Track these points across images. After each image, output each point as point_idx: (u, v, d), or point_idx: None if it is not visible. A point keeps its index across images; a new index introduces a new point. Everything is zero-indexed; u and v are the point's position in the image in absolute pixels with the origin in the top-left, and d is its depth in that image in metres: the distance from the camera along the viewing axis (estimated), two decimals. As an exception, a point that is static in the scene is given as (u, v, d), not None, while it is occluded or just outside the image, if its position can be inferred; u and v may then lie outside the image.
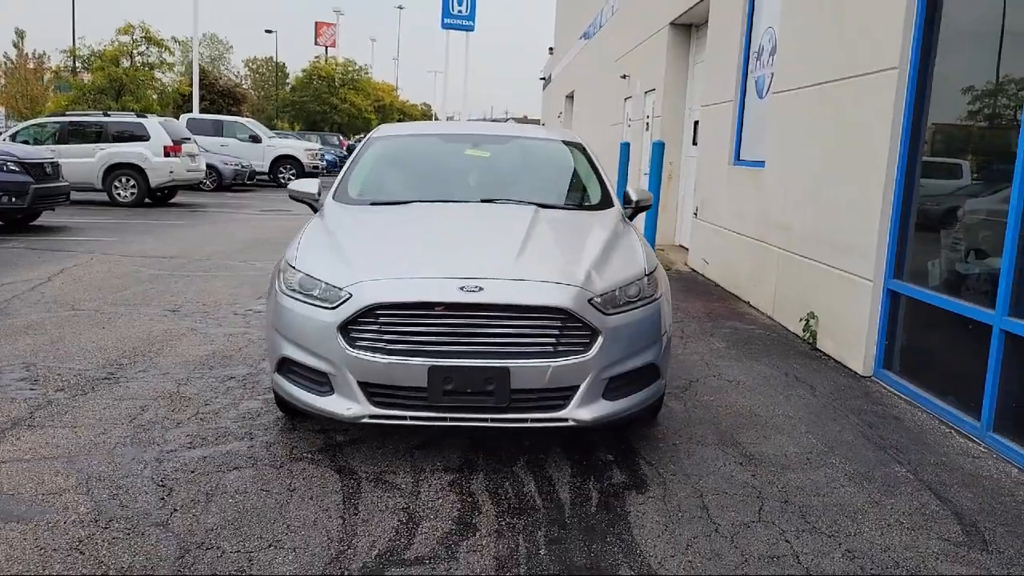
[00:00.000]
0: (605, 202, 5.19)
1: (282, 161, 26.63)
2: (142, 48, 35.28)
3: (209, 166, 21.22)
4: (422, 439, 4.31)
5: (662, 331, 4.15)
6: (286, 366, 4.05)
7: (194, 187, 20.78)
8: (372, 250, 4.18)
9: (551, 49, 41.34)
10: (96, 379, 5.20)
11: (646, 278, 4.12)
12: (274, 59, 74.56)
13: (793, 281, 7.04)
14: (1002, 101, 4.95)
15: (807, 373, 5.80)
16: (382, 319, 3.75)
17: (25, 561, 3.02)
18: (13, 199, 12.23)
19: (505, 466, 4.01)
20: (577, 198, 5.37)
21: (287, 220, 15.95)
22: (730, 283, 8.95)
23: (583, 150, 5.71)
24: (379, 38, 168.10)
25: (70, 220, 14.29)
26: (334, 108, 46.08)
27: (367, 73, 52.24)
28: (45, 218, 14.02)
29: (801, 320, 6.63)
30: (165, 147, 17.70)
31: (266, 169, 26.39)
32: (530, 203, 4.93)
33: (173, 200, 19.12)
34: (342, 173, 5.37)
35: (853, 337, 5.86)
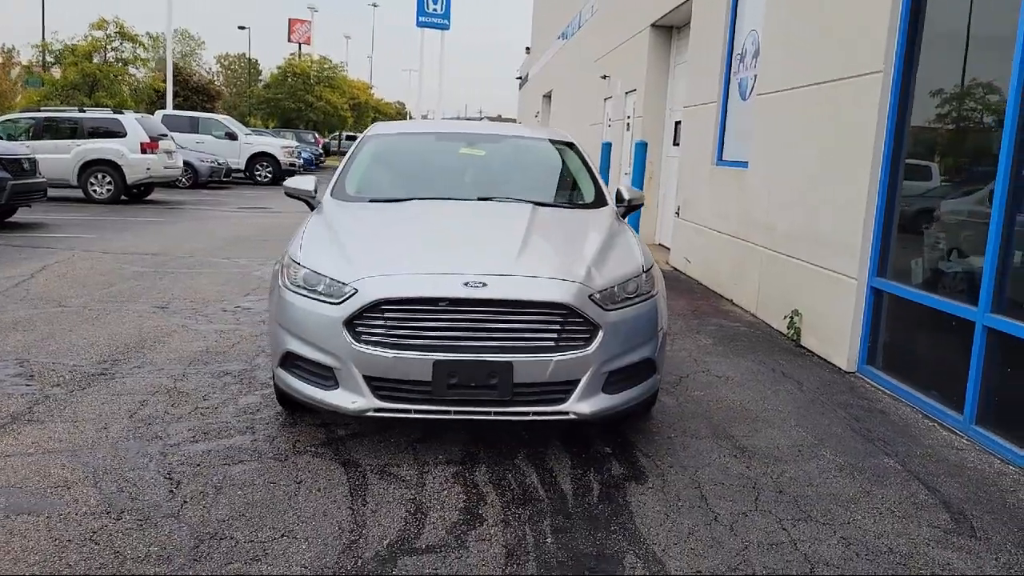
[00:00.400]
0: (599, 200, 5.29)
1: (258, 159, 26.50)
2: (116, 43, 34.93)
3: (185, 163, 21.06)
4: (422, 432, 4.38)
5: (659, 327, 4.25)
6: (290, 361, 4.10)
7: (170, 184, 20.62)
8: (375, 246, 4.24)
9: (528, 49, 41.46)
10: (92, 375, 5.21)
11: (644, 275, 4.23)
12: (247, 56, 74.05)
13: (777, 279, 7.18)
14: (982, 104, 5.12)
15: (793, 369, 5.94)
16: (387, 314, 3.81)
17: (41, 551, 3.05)
18: (-10, 195, 12.11)
19: (506, 458, 4.09)
20: (572, 196, 5.46)
21: (266, 218, 15.93)
22: (712, 281, 9.09)
23: (575, 149, 5.81)
24: (354, 36, 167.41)
25: (47, 217, 14.16)
26: (309, 106, 45.84)
27: (343, 71, 52.02)
28: (21, 215, 13.87)
29: (785, 318, 6.78)
30: (142, 144, 17.58)
31: (242, 166, 26.23)
32: (527, 201, 5.02)
33: (149, 197, 18.99)
34: (339, 171, 5.42)
35: (837, 334, 6.01)
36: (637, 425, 4.61)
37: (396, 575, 2.99)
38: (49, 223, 13.35)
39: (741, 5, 8.96)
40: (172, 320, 6.79)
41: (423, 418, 3.94)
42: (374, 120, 60.63)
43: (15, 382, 5.01)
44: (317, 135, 41.12)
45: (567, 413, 3.91)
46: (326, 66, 49.18)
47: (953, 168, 5.33)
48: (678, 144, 11.77)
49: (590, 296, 3.90)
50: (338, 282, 3.93)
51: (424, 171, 5.58)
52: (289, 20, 70.91)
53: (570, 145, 5.89)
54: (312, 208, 5.34)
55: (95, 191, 17.31)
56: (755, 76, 8.29)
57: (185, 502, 3.49)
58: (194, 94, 39.85)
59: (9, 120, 18.36)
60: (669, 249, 11.32)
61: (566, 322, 3.87)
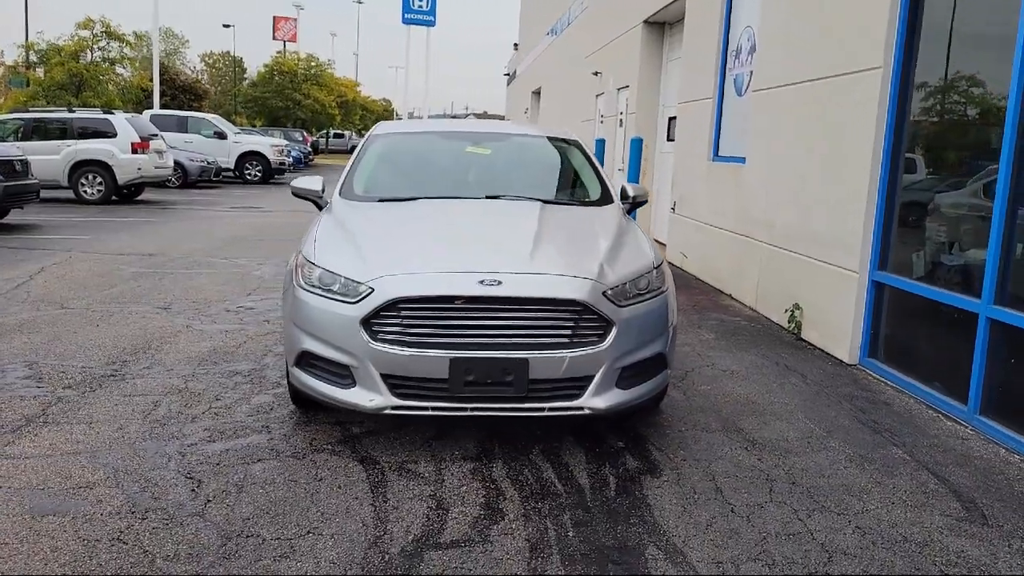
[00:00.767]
0: (605, 198, 5.35)
1: (248, 158, 26.44)
2: (102, 43, 34.72)
3: (175, 163, 21.00)
4: (437, 429, 4.42)
5: (669, 323, 4.31)
6: (306, 360, 4.14)
7: (160, 184, 20.55)
8: (390, 246, 4.28)
9: (516, 45, 41.46)
10: (102, 376, 5.23)
11: (654, 271, 4.28)
12: (231, 54, 73.72)
13: (776, 274, 7.26)
14: (980, 98, 5.20)
15: (796, 362, 6.02)
16: (404, 313, 3.85)
17: (70, 552, 3.08)
18: (-16, 197, 12.07)
19: (522, 454, 4.14)
20: (578, 194, 5.51)
21: (259, 217, 15.91)
22: (710, 276, 9.16)
23: (579, 147, 5.85)
24: (340, 33, 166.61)
25: (39, 218, 14.11)
26: (297, 104, 45.69)
27: (330, 69, 51.89)
28: (14, 216, 13.82)
29: (786, 311, 6.85)
30: (133, 144, 17.52)
31: (232, 166, 26.16)
32: (535, 199, 5.06)
33: (140, 197, 18.93)
34: (346, 170, 5.45)
35: (838, 327, 6.09)
36: (647, 419, 4.66)
37: (424, 570, 3.04)
38: (42, 224, 13.31)
39: (736, 1, 9.02)
40: (176, 321, 6.80)
41: (438, 415, 3.99)
42: (361, 118, 60.63)
43: (25, 384, 5.03)
44: (306, 133, 41.02)
45: (582, 408, 3.96)
46: (313, 64, 49.01)
47: (954, 162, 5.41)
48: (672, 140, 11.83)
49: (603, 293, 3.95)
50: (354, 281, 3.96)
51: (431, 170, 5.61)
52: (274, 18, 70.54)
53: (574, 143, 5.94)
54: (320, 208, 5.37)
55: (86, 192, 17.24)
56: (751, 72, 8.35)
57: (208, 501, 3.52)
58: (181, 93, 39.66)
59: (-2, 121, 18.27)
60: (664, 244, 11.39)
61: (580, 319, 3.92)
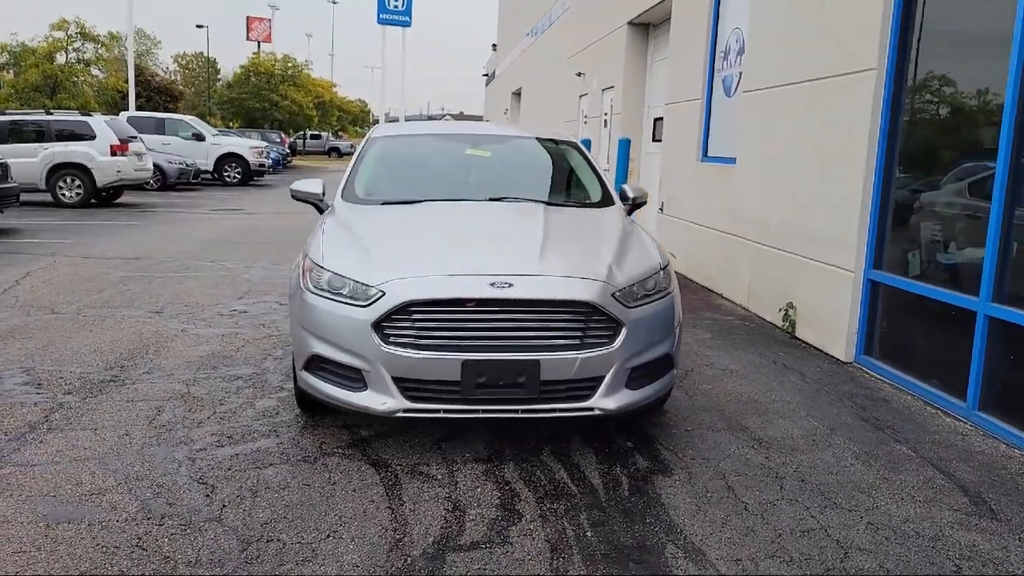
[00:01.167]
0: (606, 199, 5.38)
1: (227, 159, 26.24)
2: (77, 44, 34.31)
3: (154, 165, 20.81)
4: (445, 431, 4.43)
5: (675, 323, 4.35)
6: (315, 363, 4.13)
7: (138, 187, 20.35)
8: (398, 248, 4.28)
9: (494, 46, 41.49)
10: (101, 381, 5.18)
11: (661, 272, 4.32)
12: (205, 55, 73.12)
13: (769, 273, 7.33)
14: (975, 99, 5.28)
15: (793, 360, 6.08)
16: (416, 315, 3.86)
17: (90, 559, 3.06)
18: (-36, 201, 11.90)
19: (532, 455, 4.16)
20: (579, 196, 5.54)
21: (242, 220, 15.81)
22: (701, 276, 9.23)
23: (578, 148, 5.88)
24: (315, 33, 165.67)
25: (19, 222, 13.93)
26: (274, 105, 45.43)
27: (307, 69, 51.63)
28: (-7, 220, 13.65)
29: (780, 310, 6.92)
30: (112, 146, 17.35)
31: (211, 168, 25.97)
32: (537, 201, 5.09)
33: (119, 200, 18.75)
34: (347, 173, 5.43)
35: (834, 325, 6.16)
36: (653, 419, 4.70)
37: (448, 572, 3.05)
38: (23, 228, 13.15)
39: (724, 3, 9.10)
40: (170, 325, 6.75)
41: (449, 418, 4.00)
42: (338, 119, 60.42)
43: (25, 391, 4.97)
44: (283, 134, 40.79)
45: (592, 409, 3.98)
46: (290, 65, 48.75)
47: (947, 161, 5.49)
48: (658, 140, 11.89)
49: (613, 294, 3.98)
50: (363, 285, 3.96)
51: (432, 173, 5.61)
52: (247, 18, 70.06)
53: (572, 144, 5.97)
54: (320, 211, 5.35)
55: (64, 195, 17.06)
56: (740, 73, 8.43)
57: (224, 506, 3.51)
58: (156, 94, 39.33)
59: (-27, 124, 17.99)
60: (652, 244, 11.42)
61: (590, 320, 3.94)
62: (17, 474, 3.77)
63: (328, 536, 3.28)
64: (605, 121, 14.51)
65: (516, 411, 3.95)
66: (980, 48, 5.19)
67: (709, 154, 9.37)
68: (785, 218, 7.05)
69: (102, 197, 17.90)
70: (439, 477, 3.88)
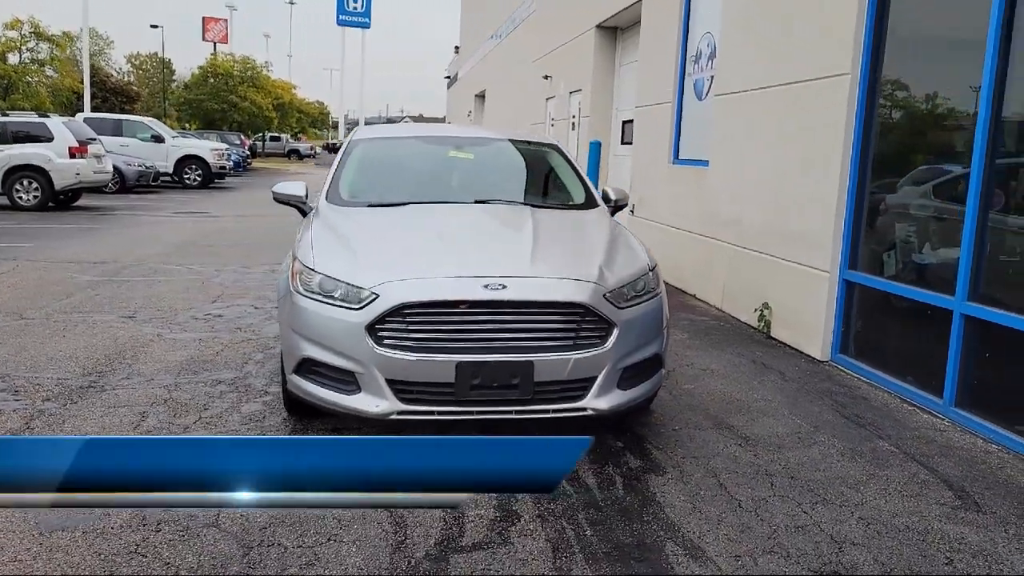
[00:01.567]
0: (590, 201, 5.42)
1: (187, 161, 25.85)
2: (31, 44, 33.61)
3: (112, 167, 20.44)
4: (434, 432, 4.42)
5: (664, 324, 4.40)
6: (306, 367, 4.10)
7: (97, 190, 19.97)
8: (389, 250, 4.28)
9: (457, 48, 41.45)
10: (80, 387, 5.09)
11: (650, 273, 4.37)
12: (159, 55, 72.07)
13: (745, 274, 7.43)
14: (945, 103, 5.43)
15: (771, 360, 6.18)
16: (409, 318, 3.86)
17: (88, 566, 3.02)
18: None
19: (525, 456, 4.17)
20: (564, 198, 5.57)
21: (206, 223, 15.62)
22: (674, 277, 9.31)
23: (560, 151, 5.92)
24: (273, 34, 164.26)
25: (-24, 225, 13.61)
26: (233, 106, 44.89)
27: (267, 70, 51.12)
28: (-51, 224, 13.31)
29: (755, 311, 7.02)
30: (70, 148, 17.00)
31: (170, 170, 25.57)
32: (524, 203, 5.11)
33: (78, 203, 18.38)
34: (331, 176, 5.40)
35: (810, 325, 6.27)
36: (641, 419, 4.74)
37: (452, 573, 3.06)
38: (-19, 232, 12.85)
39: (694, 9, 9.21)
40: (145, 329, 6.65)
41: (442, 419, 4.00)
42: (298, 121, 59.90)
43: (2, 397, 4.87)
44: (243, 136, 40.29)
45: (585, 409, 4.01)
46: (249, 66, 48.21)
47: (921, 164, 5.63)
48: (627, 143, 12.00)
49: (604, 295, 4.02)
50: (356, 287, 3.95)
51: (416, 175, 5.61)
52: (204, 19, 69.20)
53: (554, 147, 6.00)
54: (304, 214, 5.32)
55: (21, 198, 16.66)
56: (712, 77, 8.54)
57: (218, 512, 3.47)
58: (112, 95, 38.64)
59: (-74, 126, 17.53)
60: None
61: (583, 321, 3.98)
62: (4, 482, 3.69)
63: (329, 540, 3.27)
64: (573, 124, 14.60)
65: (510, 412, 3.96)
66: (951, 54, 5.33)
67: (681, 157, 9.47)
68: (760, 220, 7.16)
69: (60, 200, 17.53)
70: (434, 479, 3.87)
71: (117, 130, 25.06)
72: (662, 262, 9.63)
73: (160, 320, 7.02)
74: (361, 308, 3.89)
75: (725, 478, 3.97)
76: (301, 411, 4.57)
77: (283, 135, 59.04)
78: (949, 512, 3.67)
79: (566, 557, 3.19)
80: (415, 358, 3.83)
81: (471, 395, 3.87)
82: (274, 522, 3.40)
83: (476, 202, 5.15)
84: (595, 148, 10.67)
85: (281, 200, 5.39)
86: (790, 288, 6.60)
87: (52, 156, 16.73)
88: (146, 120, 26.66)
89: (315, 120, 68.17)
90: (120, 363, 5.65)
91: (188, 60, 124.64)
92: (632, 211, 10.93)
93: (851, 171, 5.89)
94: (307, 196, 5.36)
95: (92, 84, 33.57)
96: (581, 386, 4.00)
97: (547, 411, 3.99)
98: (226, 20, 71.89)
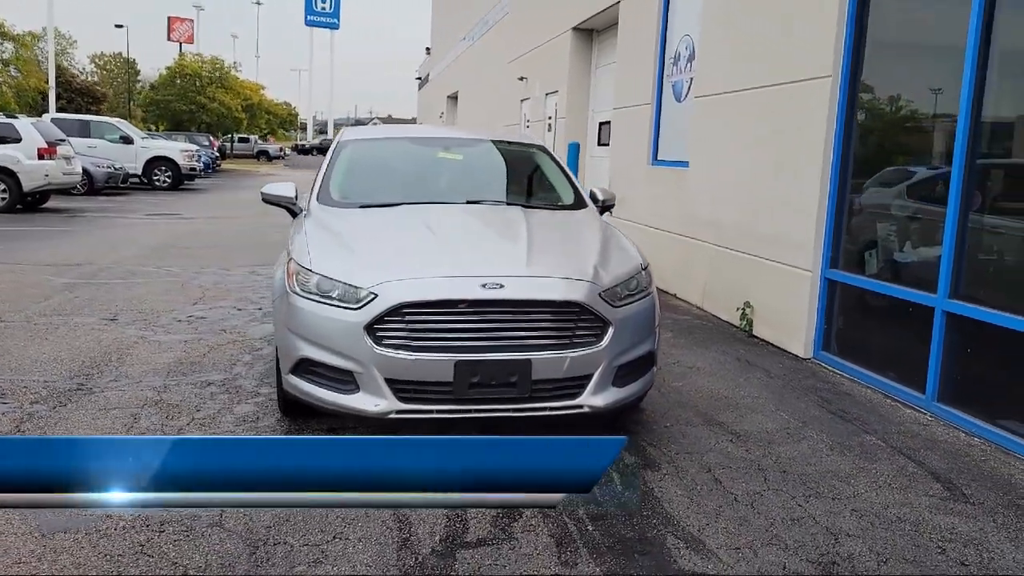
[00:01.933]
0: (579, 202, 5.48)
1: (156, 163, 25.56)
2: (-5, 43, 33.06)
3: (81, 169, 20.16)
4: (430, 431, 4.44)
5: (656, 322, 4.47)
6: (304, 367, 4.11)
7: (65, 191, 19.69)
8: (386, 251, 4.30)
9: (428, 49, 41.40)
10: (68, 390, 5.05)
11: (643, 272, 4.44)
12: (124, 55, 71.22)
13: (726, 274, 7.53)
14: (924, 106, 5.56)
15: (755, 357, 6.28)
16: (408, 317, 3.88)
17: (96, 567, 3.01)
18: None
19: (521, 454, 4.21)
20: (553, 198, 5.62)
21: (180, 224, 15.48)
22: (654, 277, 9.39)
23: (547, 152, 5.97)
24: (241, 35, 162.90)
25: (-56, 228, 13.38)
26: (202, 107, 44.45)
27: (236, 71, 50.68)
28: (-84, 226, 13.07)
29: (738, 310, 7.12)
30: (39, 149, 16.75)
31: (139, 172, 25.27)
32: (514, 204, 5.16)
33: (46, 205, 18.11)
34: (320, 177, 5.39)
35: (792, 323, 6.38)
36: (633, 417, 4.80)
37: (460, 568, 3.09)
38: (-51, 234, 12.63)
39: (672, 12, 9.32)
40: (128, 332, 6.60)
41: (440, 418, 4.03)
42: (267, 122, 59.39)
43: (-11, 401, 4.82)
44: (212, 138, 39.90)
45: (582, 407, 4.07)
46: (217, 66, 47.76)
47: (901, 165, 5.76)
48: (603, 144, 12.09)
49: (600, 294, 4.07)
50: (353, 287, 3.96)
51: (406, 176, 5.63)
52: (169, 19, 68.45)
53: (541, 148, 6.06)
54: (293, 215, 5.33)
55: (-12, 200, 16.40)
56: (691, 79, 8.65)
57: (222, 512, 3.47)
58: (78, 96, 38.09)
59: None
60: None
61: (579, 320, 4.03)
62: None
63: (334, 538, 3.29)
64: (549, 125, 14.67)
65: (508, 411, 4.00)
66: (930, 59, 5.47)
67: (660, 158, 9.57)
68: (742, 220, 7.27)
69: (28, 202, 17.26)
70: (433, 477, 3.90)
71: (85, 131, 24.70)
72: (641, 262, 9.77)
73: (143, 322, 6.96)
74: (360, 308, 3.91)
75: (719, 473, 4.05)
76: (295, 412, 4.57)
77: (252, 136, 58.59)
78: (938, 503, 3.77)
79: (570, 551, 3.24)
80: (414, 357, 3.85)
81: (469, 394, 3.91)
82: (278, 521, 3.41)
83: (468, 203, 5.19)
84: (574, 149, 10.75)
85: (270, 201, 5.39)
86: (772, 287, 6.70)
87: (21, 157, 16.47)
88: (114, 121, 26.32)
89: (283, 121, 67.63)
90: (106, 365, 5.61)
91: (153, 60, 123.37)
92: (611, 211, 11.00)
93: (832, 172, 6.01)
94: (296, 197, 5.36)
95: (57, 84, 33.13)
96: (577, 384, 4.05)
97: (544, 409, 4.04)
98: (192, 20, 71.18)
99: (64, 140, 18.07)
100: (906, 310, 5.26)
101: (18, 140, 16.63)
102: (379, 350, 3.86)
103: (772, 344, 6.68)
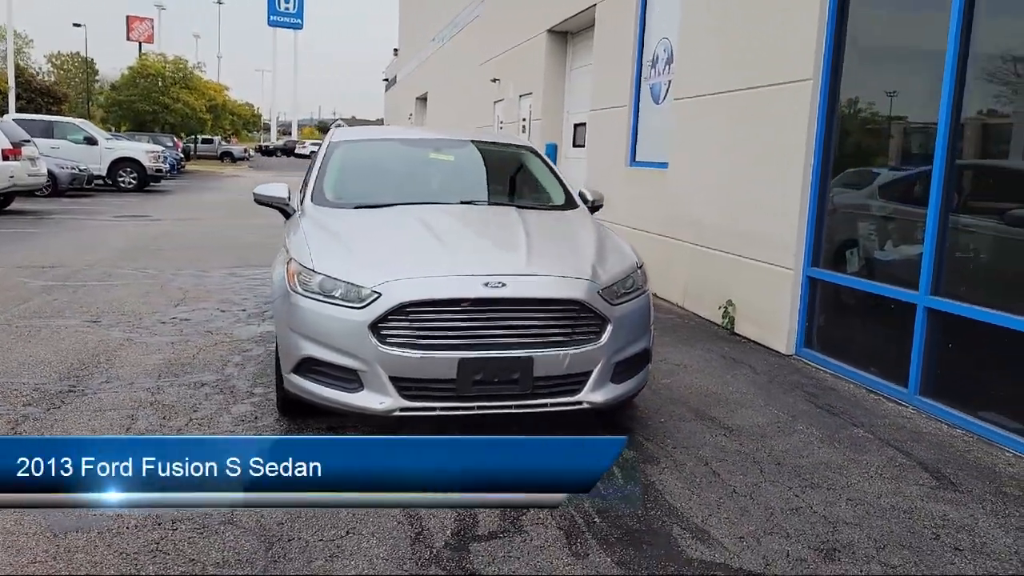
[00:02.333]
0: (570, 202, 5.56)
1: (121, 164, 25.19)
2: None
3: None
4: (431, 428, 4.49)
5: (651, 320, 4.57)
6: (306, 366, 4.14)
7: (28, 193, 19.36)
8: (387, 250, 4.35)
9: (396, 51, 41.29)
10: (60, 392, 5.02)
11: (639, 270, 4.53)
12: (83, 55, 70.12)
13: (707, 273, 7.67)
14: (903, 108, 5.73)
15: (740, 354, 6.41)
16: (412, 316, 3.94)
17: (113, 566, 3.03)
18: None
19: (522, 449, 4.28)
20: (544, 198, 5.70)
21: (150, 226, 15.32)
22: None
23: (537, 153, 6.06)
24: (203, 35, 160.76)
25: (-92, 230, 13.12)
26: (166, 108, 43.90)
27: (200, 71, 50.14)
28: None
29: (720, 308, 7.25)
30: (3, 150, 16.48)
31: (104, 173, 24.91)
32: (508, 204, 5.23)
33: (10, 207, 17.81)
34: (313, 178, 5.41)
35: (775, 321, 6.52)
36: (627, 413, 4.89)
37: (475, 561, 3.15)
38: (-85, 237, 12.39)
39: (650, 15, 9.45)
40: (113, 334, 6.56)
41: (443, 415, 4.09)
42: (231, 123, 58.82)
43: (-19, 403, 4.78)
44: (176, 138, 39.40)
45: (581, 403, 4.15)
46: (181, 67, 47.19)
47: (881, 166, 5.93)
48: (579, 145, 12.20)
49: (599, 292, 4.16)
50: (357, 286, 4.01)
51: (399, 176, 5.67)
52: (128, 18, 67.49)
53: (531, 149, 6.14)
54: (287, 216, 5.35)
55: (-48, 202, 16.12)
56: (670, 82, 8.78)
57: (233, 510, 3.49)
58: (38, 96, 37.41)
59: None
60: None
61: (579, 317, 4.11)
62: (5, 486, 3.65)
63: (348, 533, 3.33)
64: (523, 127, 14.76)
65: (510, 407, 4.07)
66: (908, 63, 5.63)
67: (638, 159, 9.70)
68: (723, 220, 7.40)
69: (-9, 204, 16.99)
70: (438, 473, 3.95)
71: (48, 132, 24.26)
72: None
73: (127, 324, 6.92)
74: (364, 307, 3.95)
75: (716, 466, 4.15)
76: (294, 412, 4.60)
77: (216, 137, 57.99)
78: (929, 492, 3.91)
79: (580, 543, 3.32)
80: (419, 355, 3.90)
81: (472, 391, 3.97)
82: (290, 517, 3.44)
83: (462, 203, 5.25)
84: (551, 150, 10.84)
85: (263, 202, 5.41)
86: (754, 285, 6.84)
87: (-16, 159, 16.21)
88: (78, 122, 25.92)
89: (247, 122, 66.99)
90: (95, 367, 5.58)
91: (112, 60, 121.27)
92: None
93: (814, 172, 6.16)
94: (289, 198, 5.39)
95: (17, 84, 32.51)
96: (577, 380, 4.13)
97: (545, 405, 4.11)
98: (152, 20, 70.29)
99: (29, 141, 17.78)
100: (887, 307, 5.42)
101: (-19, 141, 16.36)
102: (384, 348, 3.91)
103: (754, 341, 6.82)
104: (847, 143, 6.13)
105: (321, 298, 4.08)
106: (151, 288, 8.67)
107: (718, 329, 7.30)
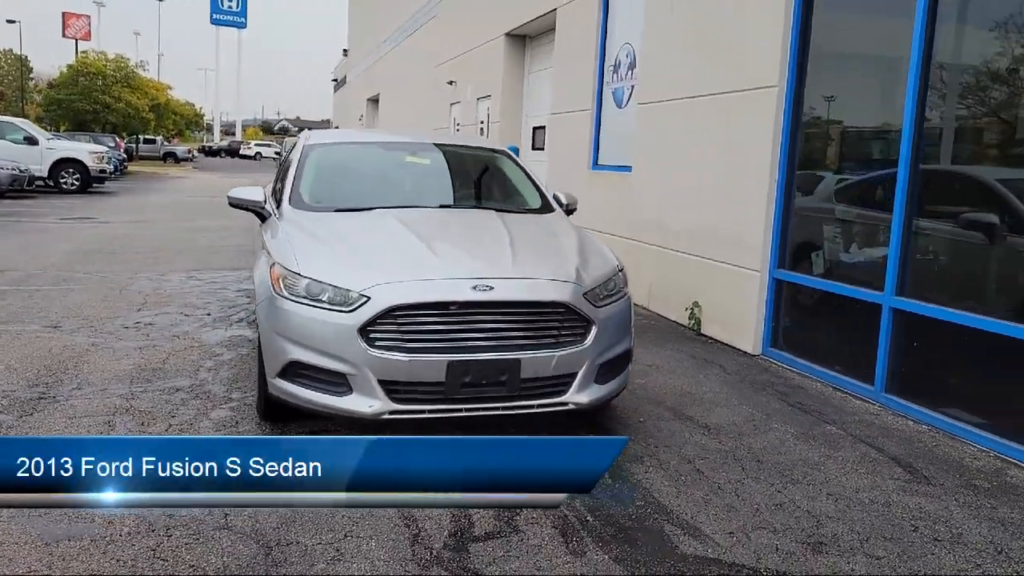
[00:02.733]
0: (546, 206, 5.62)
1: (64, 165, 24.55)
2: None
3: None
4: (414, 430, 4.51)
5: (632, 321, 4.65)
6: (293, 370, 4.12)
7: (-36, 195, 18.82)
8: (372, 254, 4.36)
9: (345, 51, 40.96)
10: (30, 399, 4.92)
11: (620, 273, 4.61)
12: (17, 52, 68.19)
13: (672, 275, 7.80)
14: (865, 114, 5.92)
15: (709, 355, 6.54)
16: (400, 319, 3.96)
17: (111, 573, 2.99)
18: None
19: (508, 451, 4.33)
20: (521, 201, 5.74)
21: (98, 228, 14.97)
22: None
23: (511, 157, 6.10)
24: (144, 32, 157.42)
25: None
26: (107, 107, 42.87)
27: (143, 70, 49.08)
28: None
29: (686, 309, 7.38)
30: (-59, 150, 16.00)
31: (45, 174, 24.25)
32: (487, 208, 5.27)
33: (-51, 209, 17.28)
34: (290, 181, 5.37)
35: (741, 322, 6.67)
36: (607, 413, 4.96)
37: (475, 560, 3.19)
38: None
39: (612, 20, 9.58)
40: (76, 339, 6.43)
41: (431, 418, 4.11)
42: (174, 123, 57.66)
43: (-52, 411, 4.66)
44: (117, 138, 38.48)
45: (567, 404, 4.21)
46: (123, 65, 46.13)
47: (846, 170, 6.12)
48: (539, 148, 12.29)
49: (583, 295, 4.23)
50: (344, 290, 4.01)
51: (377, 180, 5.67)
52: (64, 14, 65.74)
53: (504, 153, 6.18)
54: (262, 219, 5.31)
55: None
56: (632, 87, 8.90)
57: (227, 514, 3.48)
58: (-28, 95, 36.19)
59: None
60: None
61: (564, 319, 4.18)
62: (-13, 496, 3.57)
63: (346, 536, 3.34)
64: (481, 129, 14.80)
65: (497, 409, 4.12)
66: (874, 69, 5.82)
67: (600, 163, 9.81)
68: (689, 223, 7.53)
69: (-70, 206, 16.45)
70: (428, 475, 3.98)
71: (-15, 131, 23.61)
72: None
73: (89, 329, 6.78)
74: (352, 311, 3.95)
75: (699, 464, 4.25)
76: (276, 417, 4.58)
77: (158, 137, 56.84)
78: (904, 486, 4.06)
79: (576, 541, 3.37)
80: (408, 358, 3.92)
81: (461, 393, 4.00)
82: (285, 522, 3.43)
83: (441, 206, 5.27)
84: (515, 153, 10.88)
85: (238, 205, 5.36)
86: (721, 287, 6.98)
87: (-77, 159, 15.70)
88: (18, 121, 25.19)
89: (191, 121, 65.76)
90: (63, 373, 5.47)
91: (48, 58, 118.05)
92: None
93: (779, 176, 6.32)
94: (265, 201, 5.35)
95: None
96: (563, 382, 4.19)
97: (532, 407, 4.16)
98: (89, 16, 68.65)
99: (-31, 141, 17.28)
100: (853, 307, 5.59)
101: (-80, 141, 15.84)
102: (372, 352, 3.92)
103: (722, 342, 6.96)
104: (812, 148, 6.30)
105: (308, 302, 4.07)
106: (109, 292, 8.50)
107: (685, 330, 7.43)
